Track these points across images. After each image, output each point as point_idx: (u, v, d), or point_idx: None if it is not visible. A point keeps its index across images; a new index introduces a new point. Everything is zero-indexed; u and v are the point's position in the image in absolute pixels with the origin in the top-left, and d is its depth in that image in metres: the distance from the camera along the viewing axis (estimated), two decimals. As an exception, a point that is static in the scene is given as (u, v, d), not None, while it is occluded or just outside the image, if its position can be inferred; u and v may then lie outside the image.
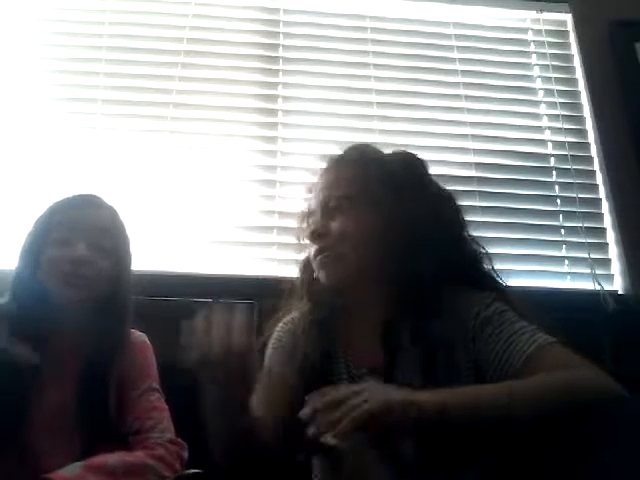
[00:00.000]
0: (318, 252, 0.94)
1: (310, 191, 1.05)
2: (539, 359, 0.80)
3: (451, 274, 0.91)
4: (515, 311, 0.89)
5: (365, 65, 1.81)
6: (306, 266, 1.02)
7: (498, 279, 0.95)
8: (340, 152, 1.04)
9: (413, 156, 1.01)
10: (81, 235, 1.03)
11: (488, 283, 0.94)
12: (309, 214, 1.02)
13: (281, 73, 1.78)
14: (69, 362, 1.03)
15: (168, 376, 1.10)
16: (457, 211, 0.97)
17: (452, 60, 1.85)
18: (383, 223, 0.92)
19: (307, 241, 0.99)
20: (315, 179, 1.04)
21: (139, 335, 1.13)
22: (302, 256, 1.04)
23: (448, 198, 0.98)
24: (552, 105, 1.84)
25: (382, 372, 0.88)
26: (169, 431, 1.02)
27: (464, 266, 0.93)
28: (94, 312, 1.05)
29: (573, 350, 0.81)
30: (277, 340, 1.00)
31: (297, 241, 1.06)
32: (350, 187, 0.96)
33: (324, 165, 1.04)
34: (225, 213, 1.61)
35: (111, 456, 0.91)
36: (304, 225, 1.03)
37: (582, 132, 1.82)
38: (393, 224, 0.91)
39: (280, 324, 1.02)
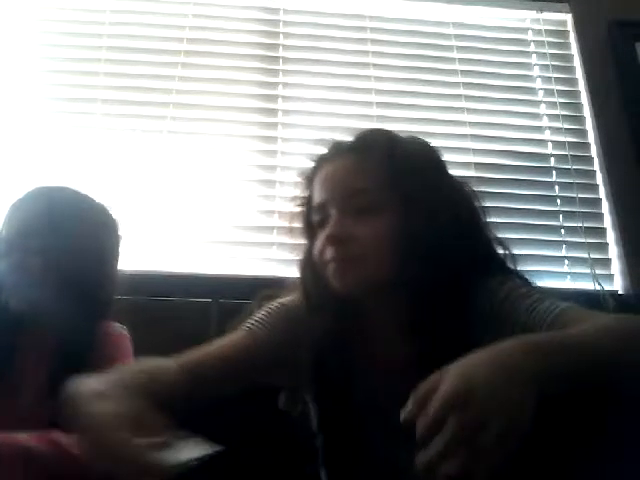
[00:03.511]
0: (336, 257, 0.82)
1: (309, 176, 0.93)
2: (567, 316, 0.74)
3: (469, 266, 0.84)
4: (528, 286, 0.85)
5: (365, 65, 1.81)
6: (310, 267, 0.89)
7: (510, 263, 0.90)
8: (348, 137, 0.93)
9: (428, 143, 0.93)
10: (16, 244, 1.04)
11: (501, 268, 0.88)
12: (318, 207, 0.87)
13: (281, 73, 1.78)
14: (42, 362, 1.03)
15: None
16: (473, 198, 0.90)
17: (452, 60, 1.85)
18: (411, 222, 0.82)
19: (306, 238, 0.91)
20: (314, 164, 0.93)
21: (117, 327, 1.11)
22: (299, 253, 0.94)
23: (464, 185, 0.91)
24: (552, 105, 1.84)
25: (407, 376, 0.84)
26: None
27: (480, 256, 0.87)
28: (60, 312, 1.02)
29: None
30: (276, 319, 0.90)
31: (291, 234, 0.95)
32: (375, 179, 0.85)
33: (327, 150, 0.93)
34: (225, 213, 1.61)
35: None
36: (313, 218, 0.89)
37: (582, 132, 1.82)
38: (420, 222, 0.82)
39: (273, 306, 0.92)
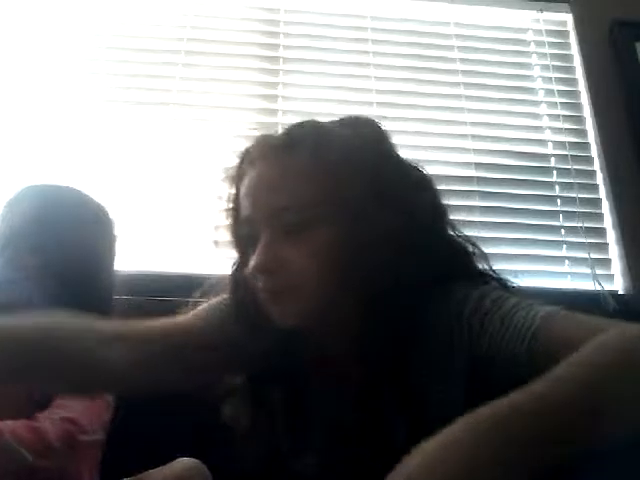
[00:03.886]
0: (267, 288, 0.72)
1: (235, 175, 0.80)
2: (548, 332, 0.64)
3: (427, 277, 0.72)
4: (500, 290, 0.74)
5: (365, 65, 1.81)
6: (243, 286, 0.78)
7: (482, 263, 0.79)
8: (278, 134, 0.81)
9: (370, 130, 0.79)
10: (10, 242, 1.04)
11: (469, 273, 0.78)
12: (246, 221, 0.76)
13: (281, 73, 1.78)
14: None
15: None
16: (430, 191, 0.78)
17: (452, 60, 1.85)
18: (351, 233, 0.70)
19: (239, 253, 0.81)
20: (242, 164, 0.80)
21: None
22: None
23: (419, 178, 0.78)
24: (552, 105, 1.84)
25: (369, 416, 0.75)
26: (77, 413, 0.92)
27: (441, 263, 0.74)
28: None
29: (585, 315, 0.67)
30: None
31: (217, 243, 0.87)
32: (303, 190, 0.72)
33: (253, 147, 0.80)
34: (225, 213, 1.61)
35: None
36: (241, 231, 0.79)
37: (582, 132, 1.82)
38: (361, 232, 0.70)
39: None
